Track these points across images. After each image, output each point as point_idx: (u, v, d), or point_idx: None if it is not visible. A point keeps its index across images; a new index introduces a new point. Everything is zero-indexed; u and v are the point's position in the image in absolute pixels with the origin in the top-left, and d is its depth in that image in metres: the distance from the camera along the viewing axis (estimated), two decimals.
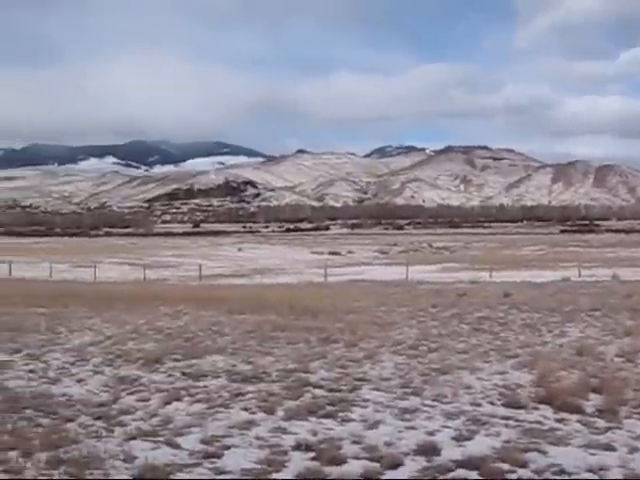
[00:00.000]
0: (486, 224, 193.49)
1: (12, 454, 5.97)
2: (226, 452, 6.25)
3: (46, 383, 9.26)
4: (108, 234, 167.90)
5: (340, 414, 7.50)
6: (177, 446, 6.40)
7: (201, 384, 8.99)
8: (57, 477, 5.49)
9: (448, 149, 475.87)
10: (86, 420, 7.28)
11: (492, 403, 7.95)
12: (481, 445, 6.36)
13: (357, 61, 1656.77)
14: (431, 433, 6.78)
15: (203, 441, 6.54)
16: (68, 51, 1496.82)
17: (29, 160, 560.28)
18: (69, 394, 8.56)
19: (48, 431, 6.78)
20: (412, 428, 6.98)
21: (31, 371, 10.09)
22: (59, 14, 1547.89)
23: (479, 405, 7.85)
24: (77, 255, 68.92)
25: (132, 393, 8.56)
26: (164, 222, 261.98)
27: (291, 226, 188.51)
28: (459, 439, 6.59)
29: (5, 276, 39.57)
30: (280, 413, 7.53)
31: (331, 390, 8.58)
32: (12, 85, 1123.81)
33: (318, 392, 8.48)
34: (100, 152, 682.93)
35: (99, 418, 7.35)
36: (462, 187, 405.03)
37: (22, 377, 9.65)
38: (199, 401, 8.10)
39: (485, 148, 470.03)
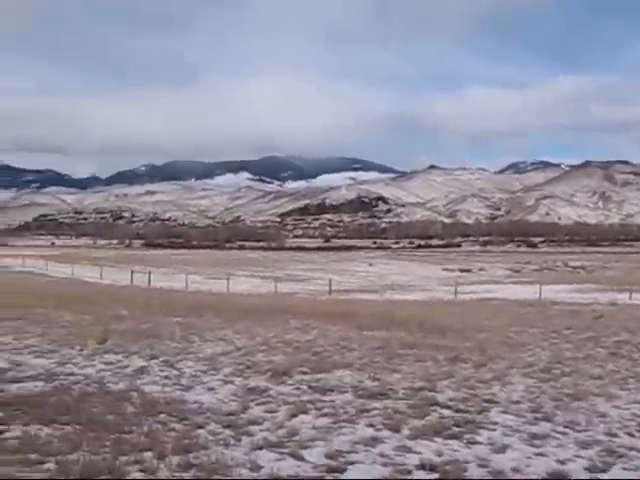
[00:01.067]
0: (626, 243, 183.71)
1: (147, 455, 6.27)
2: (349, 467, 6.26)
3: (179, 390, 9.63)
4: (241, 247, 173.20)
5: (466, 436, 7.34)
6: (302, 458, 6.47)
7: (327, 398, 9.05)
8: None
9: (586, 164, 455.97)
10: (216, 428, 7.51)
11: (630, 434, 7.51)
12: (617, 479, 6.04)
13: (491, 75, 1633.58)
14: (562, 462, 6.49)
15: (327, 455, 6.58)
16: (206, 71, 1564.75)
17: (169, 175, 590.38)
18: (200, 401, 8.86)
19: (180, 436, 7.05)
20: (542, 455, 6.72)
21: (166, 377, 10.53)
22: (197, 36, 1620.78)
23: (615, 435, 7.44)
24: (211, 267, 71.49)
25: (260, 404, 8.75)
26: (295, 236, 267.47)
27: (422, 242, 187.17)
28: (592, 470, 6.28)
29: (145, 286, 41.62)
30: (405, 431, 7.46)
31: (458, 411, 8.41)
32: (155, 105, 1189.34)
33: (445, 412, 8.34)
34: (235, 168, 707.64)
35: (228, 426, 7.56)
36: (600, 204, 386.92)
37: (158, 383, 10.10)
38: (325, 415, 8.17)
39: (626, 163, 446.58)
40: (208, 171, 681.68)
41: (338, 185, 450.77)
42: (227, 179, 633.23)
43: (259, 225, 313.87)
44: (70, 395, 8.94)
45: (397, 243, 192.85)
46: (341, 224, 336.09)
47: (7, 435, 6.81)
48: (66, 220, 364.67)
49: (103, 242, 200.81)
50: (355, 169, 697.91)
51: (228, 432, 7.36)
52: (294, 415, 8.14)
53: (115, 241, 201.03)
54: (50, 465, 5.86)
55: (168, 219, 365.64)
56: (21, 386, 9.44)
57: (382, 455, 6.64)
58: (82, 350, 12.98)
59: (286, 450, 6.73)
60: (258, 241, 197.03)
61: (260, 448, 6.77)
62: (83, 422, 7.39)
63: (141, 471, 5.83)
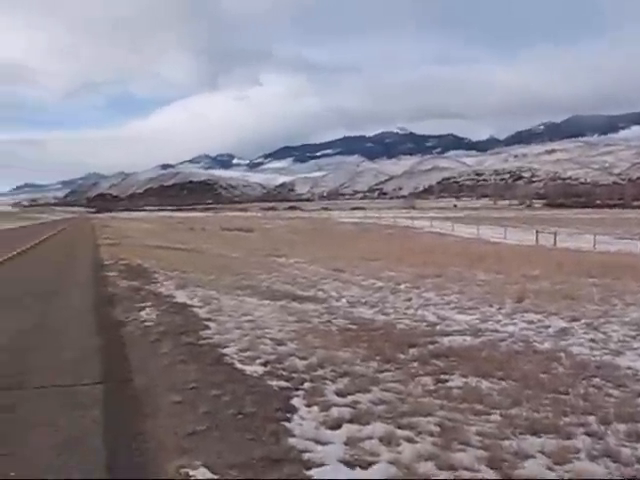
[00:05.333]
0: None
1: (590, 418, 6.06)
2: None
3: (608, 354, 9.21)
4: None
5: None
6: None
7: None
8: None
9: None
10: None
11: None
12: None
13: None
14: None
15: None
16: (600, 20, 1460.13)
17: (569, 132, 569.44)
18: (635, 368, 8.35)
19: (620, 402, 6.70)
20: None
21: (591, 340, 10.19)
22: None
23: None
24: (619, 227, 67.43)
25: None
26: None
27: None
28: None
29: (550, 246, 40.94)
30: None
31: None
32: (552, 62, 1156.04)
33: None
34: None
35: None
36: None
37: (584, 345, 9.81)
38: None
39: None
40: (612, 125, 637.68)
41: None
42: (634, 132, 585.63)
43: None
44: (498, 351, 9.15)
45: None
46: None
47: (451, 384, 7.20)
48: (466, 182, 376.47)
49: (503, 203, 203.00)
50: None
51: None
52: None
53: (515, 201, 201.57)
54: (496, 417, 6.00)
55: (569, 178, 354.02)
56: (451, 339, 9.94)
57: None
58: (500, 309, 13.27)
59: None
60: None
61: None
62: (517, 378, 7.48)
63: (587, 434, 5.65)
